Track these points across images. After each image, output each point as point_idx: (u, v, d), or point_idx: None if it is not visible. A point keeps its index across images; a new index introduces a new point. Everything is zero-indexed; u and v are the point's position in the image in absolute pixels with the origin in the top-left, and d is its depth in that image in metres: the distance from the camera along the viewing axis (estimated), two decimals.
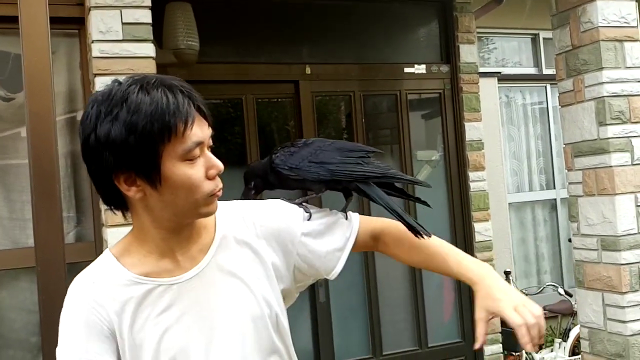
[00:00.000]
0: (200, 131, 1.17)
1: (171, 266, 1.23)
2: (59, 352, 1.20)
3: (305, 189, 1.58)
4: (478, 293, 1.28)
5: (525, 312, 1.20)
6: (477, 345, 1.24)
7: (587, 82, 3.54)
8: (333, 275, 1.43)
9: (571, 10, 3.62)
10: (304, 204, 1.45)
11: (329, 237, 1.41)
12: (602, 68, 3.45)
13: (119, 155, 1.12)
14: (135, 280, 1.21)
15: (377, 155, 1.58)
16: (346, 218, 1.46)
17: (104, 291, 1.20)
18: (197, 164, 1.17)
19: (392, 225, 1.47)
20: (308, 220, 1.40)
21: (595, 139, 3.49)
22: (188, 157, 1.15)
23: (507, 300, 1.22)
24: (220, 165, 1.21)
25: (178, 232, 1.23)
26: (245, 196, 1.54)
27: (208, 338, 1.22)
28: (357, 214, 1.50)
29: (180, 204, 1.17)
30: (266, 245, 1.33)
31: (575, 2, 3.58)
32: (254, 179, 1.56)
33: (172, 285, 1.22)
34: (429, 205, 1.61)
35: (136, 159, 1.12)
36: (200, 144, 1.16)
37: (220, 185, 1.21)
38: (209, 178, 1.18)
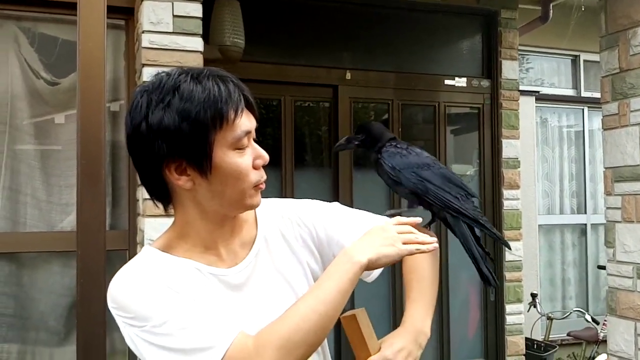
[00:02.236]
0: (248, 121, 1.18)
1: (215, 258, 1.23)
2: (163, 318, 1.09)
3: (395, 192, 1.63)
4: (397, 329, 1.33)
5: None
6: None
7: (633, 106, 3.48)
8: (371, 278, 1.44)
9: (621, 32, 3.56)
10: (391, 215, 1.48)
11: None
12: None
13: (172, 142, 1.12)
14: (193, 267, 1.19)
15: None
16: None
17: (162, 278, 1.16)
18: (245, 153, 1.17)
19: None
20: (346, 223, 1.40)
21: (638, 165, 3.43)
22: (238, 146, 1.16)
23: (391, 355, 1.25)
24: (266, 155, 1.21)
25: (222, 225, 1.23)
26: (345, 144, 1.58)
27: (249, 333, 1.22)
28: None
29: (228, 193, 1.17)
30: (303, 245, 1.34)
31: (627, 25, 3.52)
32: (367, 136, 1.58)
33: (220, 276, 1.21)
34: (508, 247, 1.66)
35: (189, 147, 1.12)
36: (248, 133, 1.17)
37: (265, 176, 1.22)
38: (255, 168, 1.19)
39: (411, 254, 1.20)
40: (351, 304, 4.02)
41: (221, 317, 1.14)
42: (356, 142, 1.64)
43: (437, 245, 1.24)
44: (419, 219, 1.29)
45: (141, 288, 1.13)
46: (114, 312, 1.15)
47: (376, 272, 1.42)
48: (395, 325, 1.31)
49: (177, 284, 1.14)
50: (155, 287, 1.12)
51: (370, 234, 1.22)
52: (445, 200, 1.52)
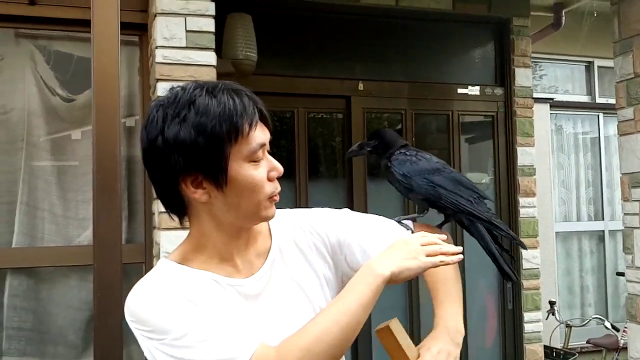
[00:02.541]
0: (262, 134, 1.19)
1: (232, 269, 1.24)
2: (183, 332, 1.09)
3: (408, 199, 1.64)
4: (429, 335, 1.32)
5: None
6: None
7: None
8: None
9: (635, 37, 3.54)
10: (403, 221, 1.48)
11: (380, 247, 1.40)
12: None
13: (188, 156, 1.13)
14: (211, 278, 1.20)
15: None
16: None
17: (180, 290, 1.16)
18: (260, 165, 1.18)
19: None
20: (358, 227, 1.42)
21: None
22: (253, 159, 1.17)
23: (431, 358, 1.24)
24: (280, 167, 1.23)
25: (238, 236, 1.24)
26: (358, 150, 1.59)
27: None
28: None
29: (244, 205, 1.18)
30: (316, 254, 1.34)
31: None
32: (380, 142, 1.59)
33: (238, 286, 1.22)
34: (524, 247, 1.66)
35: (205, 160, 1.13)
36: (263, 145, 1.18)
37: (279, 188, 1.23)
38: (270, 180, 1.20)
39: (435, 266, 1.19)
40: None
41: (241, 328, 1.15)
42: (368, 149, 1.65)
43: (461, 256, 1.23)
44: (444, 236, 1.28)
45: (159, 301, 1.13)
46: (132, 325, 1.16)
47: None
48: (413, 339, 1.31)
49: (195, 295, 1.15)
50: (174, 300, 1.13)
51: (393, 247, 1.22)
52: (459, 204, 1.52)
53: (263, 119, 1.20)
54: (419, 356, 1.22)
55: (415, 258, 1.18)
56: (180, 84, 1.22)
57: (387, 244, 1.41)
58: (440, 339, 1.28)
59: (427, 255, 1.18)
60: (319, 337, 1.10)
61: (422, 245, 1.20)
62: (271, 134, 1.23)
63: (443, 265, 1.20)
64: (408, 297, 4.14)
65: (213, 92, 1.16)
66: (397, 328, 1.21)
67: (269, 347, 1.11)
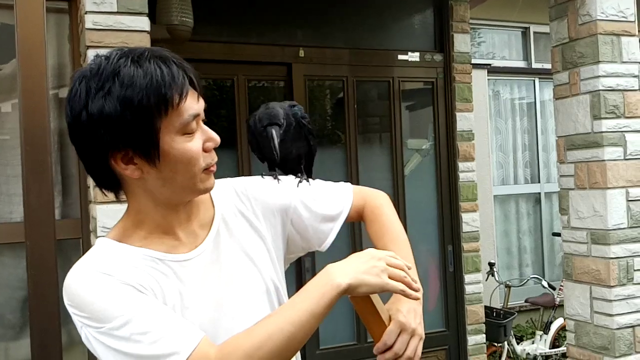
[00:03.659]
0: (194, 103, 1.13)
1: (175, 242, 1.19)
2: (115, 315, 1.03)
3: (296, 155, 1.59)
4: (392, 297, 1.27)
5: (402, 341, 1.19)
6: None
7: (583, 75, 3.54)
8: (324, 247, 1.45)
9: (570, 2, 3.60)
10: (299, 175, 1.50)
11: (321, 208, 1.43)
12: (598, 62, 3.44)
13: (115, 132, 1.07)
14: (152, 256, 1.15)
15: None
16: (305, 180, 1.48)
17: (121, 275, 1.10)
18: (194, 137, 1.13)
19: (370, 201, 1.48)
20: (301, 189, 1.43)
21: (589, 133, 3.50)
22: (186, 131, 1.11)
23: (404, 318, 1.21)
24: (217, 137, 1.18)
25: (177, 209, 1.19)
26: (277, 135, 1.47)
27: (218, 314, 1.20)
28: (349, 184, 1.52)
29: (179, 179, 1.13)
30: (263, 220, 1.33)
31: None
32: (278, 122, 1.47)
33: (182, 261, 1.18)
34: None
35: (134, 136, 1.07)
36: (196, 116, 1.13)
37: (216, 158, 1.19)
38: (206, 151, 1.15)
39: (394, 291, 1.14)
40: (313, 275, 4.00)
41: (183, 318, 1.10)
42: (279, 141, 1.51)
43: (420, 295, 1.19)
44: (411, 265, 1.25)
45: (97, 286, 1.07)
46: (69, 309, 1.09)
47: (330, 240, 1.44)
48: None
49: (135, 279, 1.09)
50: (113, 285, 1.07)
51: (358, 256, 1.15)
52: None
53: (194, 88, 1.14)
54: (390, 318, 1.21)
55: (378, 275, 1.11)
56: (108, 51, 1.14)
57: (330, 211, 1.42)
58: (404, 298, 1.24)
59: (390, 278, 1.13)
60: (263, 342, 1.04)
61: (389, 266, 1.14)
62: (205, 102, 1.18)
63: (402, 294, 1.15)
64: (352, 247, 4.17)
65: (139, 61, 1.09)
66: (374, 295, 1.18)
67: (210, 345, 1.05)
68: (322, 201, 1.43)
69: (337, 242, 1.47)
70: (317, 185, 1.48)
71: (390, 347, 1.18)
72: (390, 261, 1.15)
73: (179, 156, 1.11)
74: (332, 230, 1.43)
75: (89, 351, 3.16)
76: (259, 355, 1.03)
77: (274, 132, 1.40)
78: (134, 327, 1.03)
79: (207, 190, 1.20)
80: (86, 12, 2.72)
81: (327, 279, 1.10)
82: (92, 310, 1.05)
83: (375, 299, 1.18)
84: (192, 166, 1.13)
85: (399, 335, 1.19)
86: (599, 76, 3.43)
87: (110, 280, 1.07)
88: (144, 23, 2.79)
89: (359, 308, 1.19)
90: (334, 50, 4.27)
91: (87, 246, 2.77)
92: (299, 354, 1.36)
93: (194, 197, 1.21)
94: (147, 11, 2.81)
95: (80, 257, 1.15)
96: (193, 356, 1.02)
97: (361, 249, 1.18)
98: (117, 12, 2.74)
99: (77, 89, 1.09)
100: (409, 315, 1.22)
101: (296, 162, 1.58)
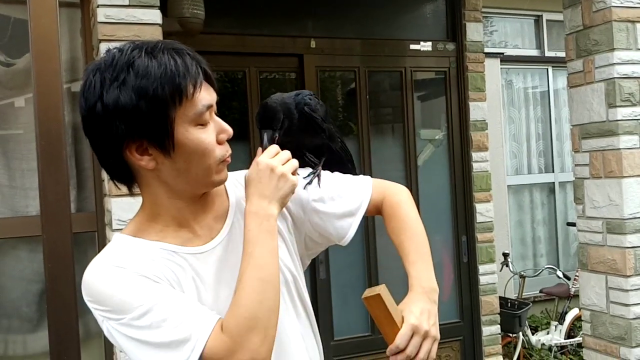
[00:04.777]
0: (208, 94, 1.14)
1: (191, 235, 1.20)
2: (133, 306, 1.06)
3: (310, 148, 1.52)
4: (406, 297, 1.28)
5: (414, 344, 1.18)
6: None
7: (598, 63, 3.49)
8: (345, 241, 1.44)
9: None
10: (313, 170, 1.45)
11: (340, 204, 1.41)
12: (613, 49, 3.40)
13: (131, 122, 1.08)
14: (167, 249, 1.16)
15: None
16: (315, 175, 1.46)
17: (135, 267, 1.12)
18: (208, 128, 1.14)
19: (389, 196, 1.46)
20: (319, 187, 1.40)
21: (604, 121, 3.46)
22: (200, 122, 1.12)
23: (416, 320, 1.20)
24: (230, 129, 1.19)
25: (192, 202, 1.20)
26: (269, 141, 1.37)
27: None
28: (369, 177, 1.50)
29: (194, 171, 1.14)
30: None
31: None
32: (279, 119, 1.39)
33: (198, 254, 1.19)
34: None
35: (148, 126, 1.08)
36: (210, 107, 1.14)
37: (230, 150, 1.20)
38: (220, 143, 1.17)
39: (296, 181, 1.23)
40: (326, 272, 4.01)
41: (200, 304, 1.12)
42: (277, 137, 1.41)
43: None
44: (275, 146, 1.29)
45: (116, 279, 1.09)
46: (89, 305, 1.12)
47: (350, 234, 1.42)
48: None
49: (152, 271, 1.11)
50: (131, 278, 1.09)
51: (260, 180, 1.21)
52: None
53: (208, 79, 1.15)
54: (402, 320, 1.20)
55: (286, 181, 1.21)
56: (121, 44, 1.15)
57: (349, 206, 1.42)
58: (419, 299, 1.26)
59: (292, 174, 1.22)
60: (254, 299, 1.09)
61: (283, 165, 1.22)
62: (217, 94, 1.18)
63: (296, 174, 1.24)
64: (366, 255, 4.17)
65: (153, 52, 1.10)
66: (387, 295, 1.19)
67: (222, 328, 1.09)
68: (341, 197, 1.41)
69: None
70: (335, 180, 1.45)
71: (402, 350, 1.18)
72: (281, 159, 1.24)
73: (193, 147, 1.12)
74: (351, 225, 1.42)
75: (106, 343, 3.19)
76: (262, 310, 1.08)
77: (265, 137, 1.36)
78: (154, 316, 1.05)
79: (222, 182, 1.21)
80: (98, 6, 2.73)
81: (259, 218, 1.17)
82: (112, 303, 1.07)
83: (388, 299, 1.18)
84: (207, 157, 1.14)
85: (411, 338, 1.18)
86: (614, 64, 3.39)
87: (126, 272, 1.09)
88: (155, 16, 2.79)
89: (371, 310, 1.20)
90: (346, 40, 4.25)
91: (103, 239, 2.79)
92: (320, 346, 1.37)
93: (208, 190, 1.22)
94: (158, 4, 2.81)
95: (96, 250, 1.16)
96: (211, 338, 1.05)
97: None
98: (129, 5, 2.74)
99: (91, 80, 1.10)
100: (422, 316, 1.22)
101: (315, 155, 1.52)
